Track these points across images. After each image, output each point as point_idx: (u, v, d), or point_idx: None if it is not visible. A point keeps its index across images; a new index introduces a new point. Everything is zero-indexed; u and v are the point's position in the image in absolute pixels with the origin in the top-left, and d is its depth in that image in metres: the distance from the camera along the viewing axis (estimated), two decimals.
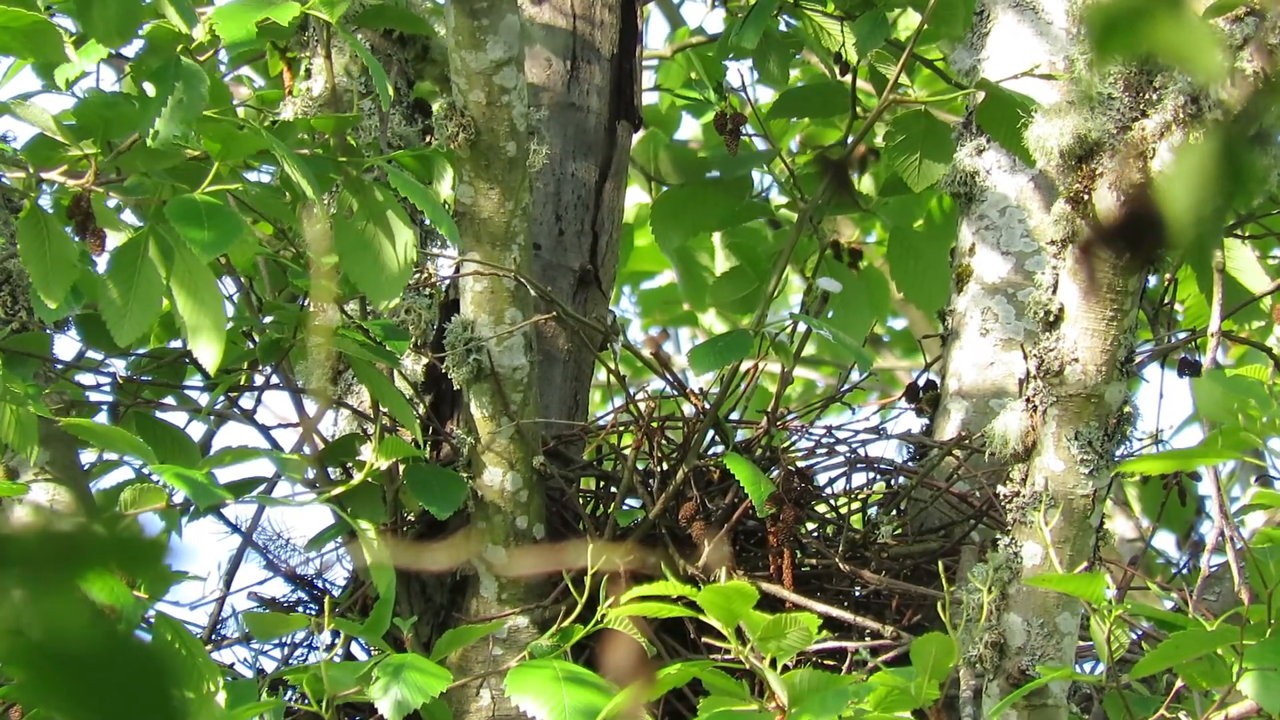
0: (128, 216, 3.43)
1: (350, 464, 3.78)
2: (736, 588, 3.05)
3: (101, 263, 3.33)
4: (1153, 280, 4.34)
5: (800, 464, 3.81)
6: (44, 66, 3.74)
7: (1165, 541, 6.38)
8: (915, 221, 4.89)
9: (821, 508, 3.86)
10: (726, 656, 3.18)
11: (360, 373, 3.64)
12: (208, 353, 3.24)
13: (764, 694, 3.11)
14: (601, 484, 3.90)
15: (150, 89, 3.25)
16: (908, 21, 5.17)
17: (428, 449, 3.84)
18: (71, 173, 3.30)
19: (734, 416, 3.87)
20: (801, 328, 3.71)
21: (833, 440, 3.87)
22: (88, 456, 3.76)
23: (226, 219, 3.17)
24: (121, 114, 3.21)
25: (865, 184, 5.20)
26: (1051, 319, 3.28)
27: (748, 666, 3.11)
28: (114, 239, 3.32)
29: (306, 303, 3.72)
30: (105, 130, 3.24)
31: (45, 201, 3.33)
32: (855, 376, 4.05)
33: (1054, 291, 3.28)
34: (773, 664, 3.08)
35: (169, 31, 3.37)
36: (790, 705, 3.01)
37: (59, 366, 3.72)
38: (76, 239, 3.32)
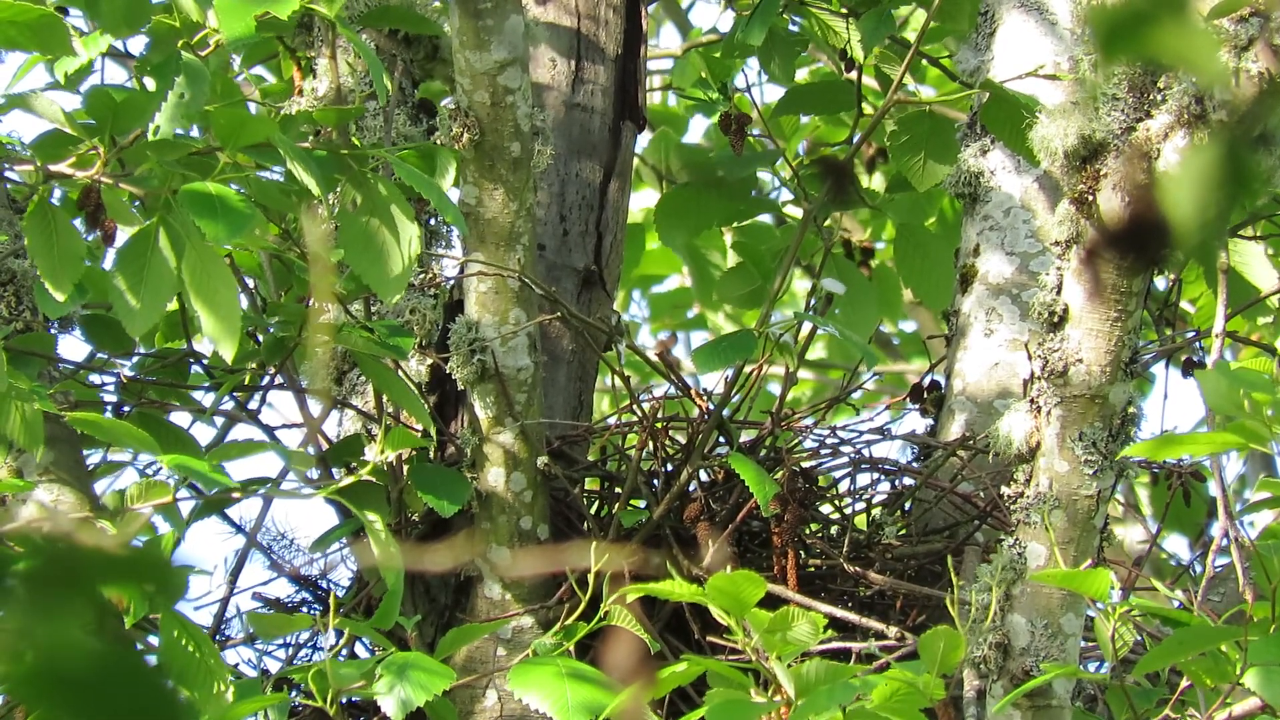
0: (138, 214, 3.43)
1: (355, 464, 3.77)
2: (744, 576, 3.05)
3: (111, 257, 3.32)
4: (1160, 281, 4.34)
5: (805, 464, 3.80)
6: (51, 65, 3.74)
7: (1178, 545, 6.37)
8: (926, 219, 4.89)
9: (826, 508, 3.86)
10: (732, 656, 3.17)
11: (366, 368, 3.64)
12: (224, 344, 3.23)
13: (769, 690, 3.10)
14: (606, 484, 3.90)
15: (151, 85, 3.25)
16: (916, 24, 5.17)
17: (433, 450, 3.84)
18: (80, 165, 3.30)
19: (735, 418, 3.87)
20: (807, 327, 3.70)
21: (837, 441, 3.87)
22: (91, 460, 3.76)
23: (238, 207, 3.16)
24: (132, 103, 3.20)
25: (875, 181, 5.21)
26: (1056, 320, 3.28)
27: (753, 663, 3.10)
28: (124, 235, 3.32)
29: (311, 301, 3.72)
30: (115, 121, 3.23)
31: (54, 196, 3.33)
32: (861, 376, 4.05)
33: (1058, 292, 3.28)
34: (778, 660, 3.08)
35: (170, 26, 3.37)
36: (797, 697, 3.00)
37: (63, 366, 3.72)
38: (87, 234, 3.31)
